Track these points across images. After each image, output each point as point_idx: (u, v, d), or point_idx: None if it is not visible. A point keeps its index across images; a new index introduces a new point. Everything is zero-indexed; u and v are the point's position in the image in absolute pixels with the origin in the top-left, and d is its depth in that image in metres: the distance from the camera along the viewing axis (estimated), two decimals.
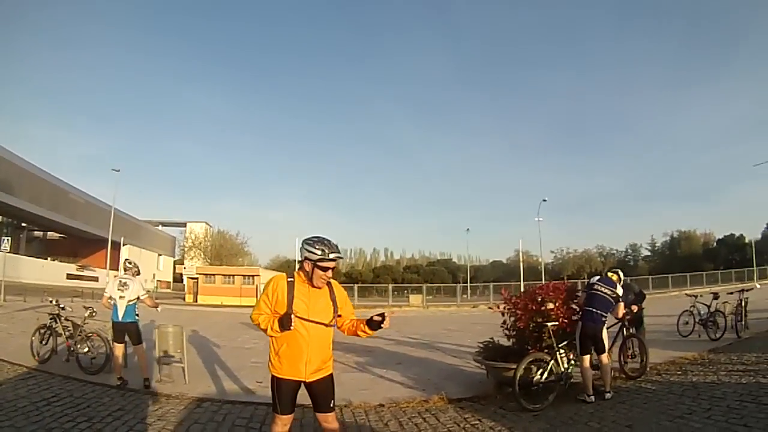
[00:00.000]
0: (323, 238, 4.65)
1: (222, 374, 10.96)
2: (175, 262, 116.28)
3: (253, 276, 58.73)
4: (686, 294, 18.63)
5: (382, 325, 4.71)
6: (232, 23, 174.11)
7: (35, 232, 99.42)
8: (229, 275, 60.18)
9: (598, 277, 9.02)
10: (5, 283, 33.02)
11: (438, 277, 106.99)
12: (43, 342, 11.79)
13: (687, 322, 15.42)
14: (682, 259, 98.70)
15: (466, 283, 79.25)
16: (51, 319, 11.76)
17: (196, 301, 56.79)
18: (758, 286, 32.88)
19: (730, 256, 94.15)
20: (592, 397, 8.05)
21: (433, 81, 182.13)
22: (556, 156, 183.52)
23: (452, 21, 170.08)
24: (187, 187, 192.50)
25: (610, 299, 8.56)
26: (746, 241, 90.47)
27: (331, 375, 4.90)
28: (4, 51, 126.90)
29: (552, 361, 8.17)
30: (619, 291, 8.72)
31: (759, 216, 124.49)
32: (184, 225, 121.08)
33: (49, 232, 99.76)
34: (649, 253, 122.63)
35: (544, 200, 65.52)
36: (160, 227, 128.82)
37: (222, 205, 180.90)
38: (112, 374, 9.69)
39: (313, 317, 4.62)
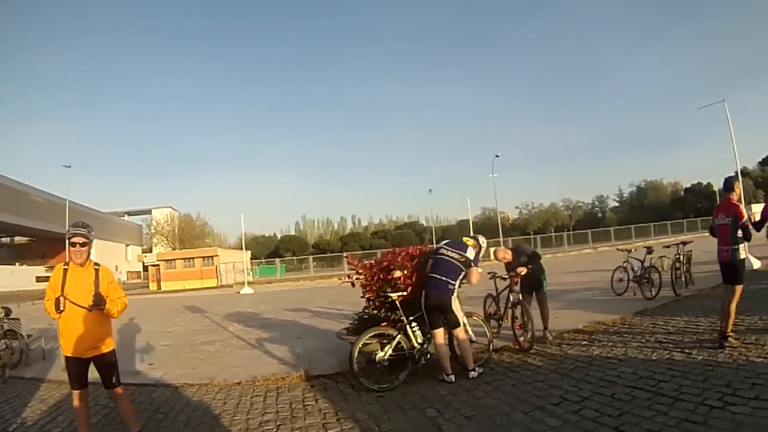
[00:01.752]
0: (78, 221, 5.40)
1: (125, 357, 10.52)
2: (143, 251, 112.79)
3: (212, 257, 57.63)
4: (618, 249, 17.47)
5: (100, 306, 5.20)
6: None
7: (2, 239, 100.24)
8: (189, 258, 58.87)
9: (446, 241, 8.08)
10: None
11: (405, 240, 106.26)
12: None
13: (621, 279, 14.40)
14: (650, 209, 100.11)
15: (432, 244, 78.73)
16: None
17: (160, 288, 55.71)
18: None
19: (698, 205, 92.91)
20: (452, 377, 7.22)
21: (401, 38, 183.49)
22: (522, 109, 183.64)
23: None
24: (154, 174, 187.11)
25: (458, 264, 7.52)
26: (714, 188, 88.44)
27: (110, 352, 5.52)
28: None
29: (399, 336, 7.43)
30: (470, 255, 7.60)
31: (727, 163, 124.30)
32: (149, 212, 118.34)
33: (16, 237, 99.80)
34: (617, 204, 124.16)
35: (497, 156, 64.53)
36: (126, 217, 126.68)
37: (190, 187, 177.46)
38: (28, 367, 10.56)
39: (76, 300, 5.19)
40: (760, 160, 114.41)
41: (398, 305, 7.58)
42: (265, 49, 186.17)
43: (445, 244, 7.86)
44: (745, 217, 7.67)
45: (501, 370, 7.73)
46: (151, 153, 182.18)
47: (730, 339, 7.67)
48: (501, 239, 56.80)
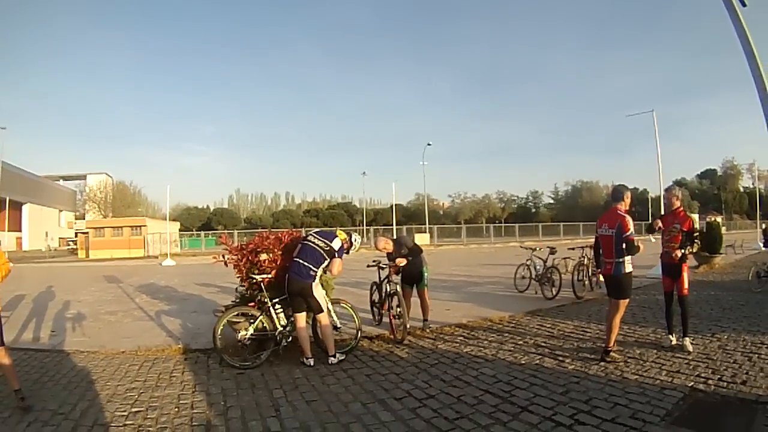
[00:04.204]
0: None
1: (32, 325, 11.21)
2: (76, 217, 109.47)
3: (140, 227, 55.70)
4: (521, 246, 17.48)
5: None
6: None
7: None
8: (118, 227, 56.66)
9: (317, 230, 8.32)
10: None
11: (337, 220, 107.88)
12: None
13: (524, 277, 14.46)
14: (584, 208, 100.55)
15: (362, 226, 78.61)
16: None
17: (88, 257, 53.37)
18: (653, 240, 32.52)
19: (633, 209, 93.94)
20: (311, 360, 7.42)
21: (354, 26, 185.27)
22: (467, 102, 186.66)
23: None
24: (91, 137, 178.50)
25: (322, 252, 7.61)
26: (649, 195, 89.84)
27: None
28: None
29: (261, 317, 7.58)
30: (335, 245, 7.68)
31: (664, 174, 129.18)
32: (84, 177, 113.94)
33: None
34: (551, 201, 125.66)
35: (429, 144, 64.37)
36: (60, 182, 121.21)
37: (128, 153, 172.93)
38: None
39: None
40: (698, 173, 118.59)
41: (262, 287, 7.70)
42: (203, 25, 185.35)
43: (314, 232, 7.98)
44: (631, 230, 7.31)
45: (364, 358, 7.81)
46: (90, 117, 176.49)
47: (612, 354, 7.41)
48: (427, 225, 56.94)
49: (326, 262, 7.63)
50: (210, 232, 77.79)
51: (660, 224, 8.53)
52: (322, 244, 7.64)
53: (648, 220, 57.85)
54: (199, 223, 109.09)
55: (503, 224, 74.90)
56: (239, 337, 7.44)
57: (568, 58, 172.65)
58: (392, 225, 59.48)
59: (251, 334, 7.45)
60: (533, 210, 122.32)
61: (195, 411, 5.51)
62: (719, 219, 31.88)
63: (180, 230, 65.62)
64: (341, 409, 5.54)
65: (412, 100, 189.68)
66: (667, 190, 8.88)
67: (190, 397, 6.05)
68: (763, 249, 15.24)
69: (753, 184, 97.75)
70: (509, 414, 5.34)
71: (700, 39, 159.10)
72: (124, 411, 5.64)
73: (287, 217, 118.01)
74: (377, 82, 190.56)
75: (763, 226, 34.31)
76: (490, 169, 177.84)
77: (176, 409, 5.64)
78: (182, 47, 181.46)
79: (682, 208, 8.44)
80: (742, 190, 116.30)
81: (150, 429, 5.04)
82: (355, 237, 8.27)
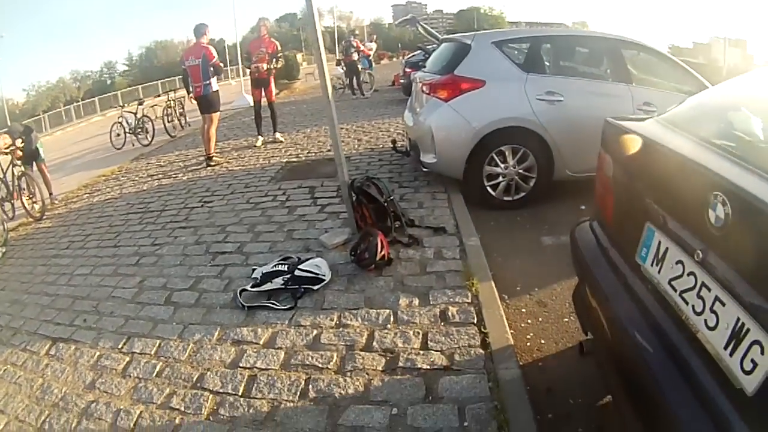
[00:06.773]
0: None
1: None
2: None
3: None
4: (112, 106, 18.36)
5: None
6: None
7: None
8: None
9: None
10: None
11: None
12: None
13: (119, 134, 15.27)
14: (161, 68, 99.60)
15: None
16: None
17: None
18: (233, 83, 34.92)
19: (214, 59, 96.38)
20: None
21: None
22: None
23: None
24: None
25: None
26: (226, 44, 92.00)
27: None
28: None
29: None
30: None
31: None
32: None
33: None
34: (126, 68, 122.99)
35: (1, 36, 58.43)
36: None
37: None
38: None
39: None
40: (278, 17, 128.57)
41: None
42: None
43: None
44: (215, 56, 9.49)
45: (21, 243, 7.86)
46: None
47: (214, 158, 9.58)
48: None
49: None
50: None
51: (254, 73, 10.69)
52: None
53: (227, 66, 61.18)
54: None
55: (82, 102, 71.98)
56: None
57: None
58: None
59: None
60: (109, 82, 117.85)
61: None
62: (299, 54, 35.55)
63: None
64: (32, 278, 5.98)
65: None
66: (260, 19, 11.43)
67: None
68: (342, 71, 19.16)
69: (334, 23, 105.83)
70: (154, 216, 7.08)
71: None
72: None
73: None
74: None
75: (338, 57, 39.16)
76: (61, 51, 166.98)
77: None
78: None
79: (267, 36, 10.94)
80: (324, 28, 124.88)
81: None
82: None
